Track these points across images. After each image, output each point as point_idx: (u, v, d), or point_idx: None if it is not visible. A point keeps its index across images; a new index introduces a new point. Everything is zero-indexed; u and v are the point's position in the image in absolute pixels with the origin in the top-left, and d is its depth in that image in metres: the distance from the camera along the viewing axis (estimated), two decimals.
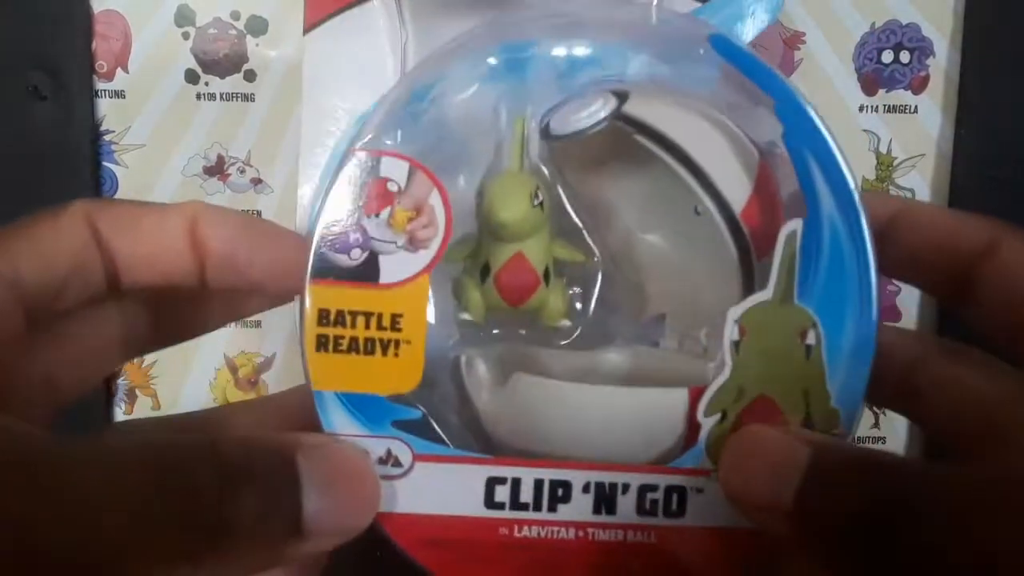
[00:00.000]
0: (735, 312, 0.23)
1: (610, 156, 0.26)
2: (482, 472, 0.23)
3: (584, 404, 0.24)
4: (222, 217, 0.23)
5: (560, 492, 0.23)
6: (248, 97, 0.41)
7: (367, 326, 0.22)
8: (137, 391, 0.43)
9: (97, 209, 0.22)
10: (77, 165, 0.40)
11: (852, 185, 0.23)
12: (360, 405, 0.23)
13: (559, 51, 0.24)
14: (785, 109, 0.23)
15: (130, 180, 0.41)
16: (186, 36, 0.40)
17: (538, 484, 0.23)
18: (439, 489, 0.23)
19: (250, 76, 0.41)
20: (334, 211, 0.22)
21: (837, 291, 0.23)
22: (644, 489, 0.23)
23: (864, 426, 0.44)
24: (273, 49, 0.40)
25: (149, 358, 0.43)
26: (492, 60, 0.24)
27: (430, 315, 0.24)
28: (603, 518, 0.24)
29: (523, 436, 0.24)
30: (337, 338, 0.22)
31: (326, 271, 0.22)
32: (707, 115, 0.24)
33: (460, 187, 0.25)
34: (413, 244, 0.23)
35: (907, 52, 0.41)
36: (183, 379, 0.43)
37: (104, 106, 0.41)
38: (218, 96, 0.41)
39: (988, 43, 0.40)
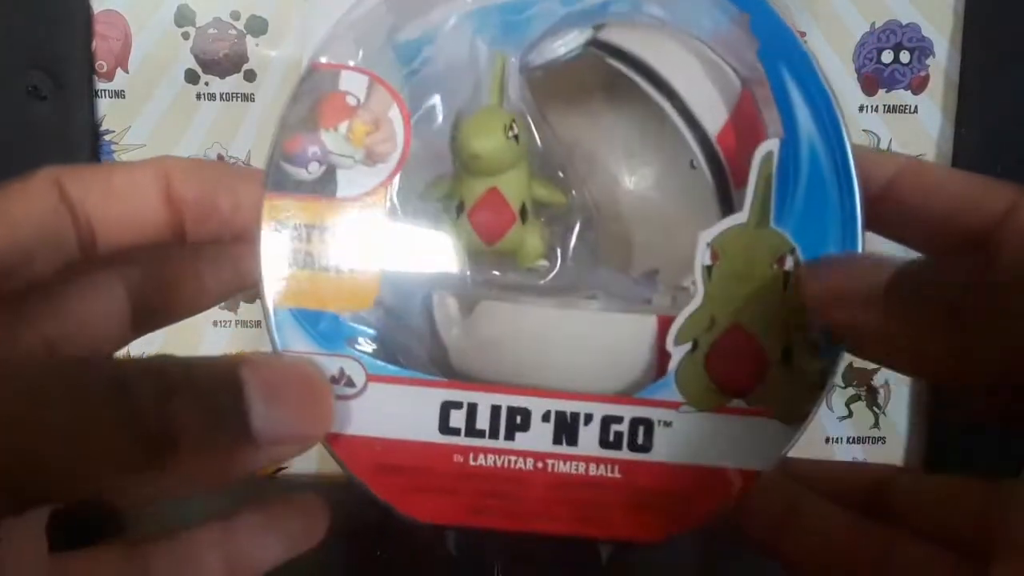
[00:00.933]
0: (707, 235, 0.22)
1: (592, 97, 0.25)
2: (437, 396, 0.22)
3: (547, 327, 0.23)
4: (196, 167, 0.22)
5: (518, 420, 0.22)
6: (248, 97, 0.41)
7: (322, 239, 0.22)
8: None
9: (66, 173, 0.22)
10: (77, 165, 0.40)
11: (832, 101, 0.22)
12: (314, 321, 0.22)
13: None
14: (760, 23, 0.22)
15: None
16: (186, 36, 0.40)
17: (495, 410, 0.22)
18: (392, 412, 0.22)
19: (250, 76, 0.41)
20: (292, 124, 0.22)
21: (817, 214, 0.21)
22: (608, 420, 0.22)
23: (863, 426, 0.44)
24: (273, 49, 0.40)
25: None
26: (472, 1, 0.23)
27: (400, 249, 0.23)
28: (564, 449, 0.22)
29: (487, 364, 0.23)
30: (293, 252, 0.22)
31: (283, 184, 0.22)
32: (685, 43, 0.23)
33: (437, 125, 0.24)
34: (371, 159, 0.22)
35: (907, 52, 0.41)
36: None
37: (104, 106, 0.41)
38: (218, 96, 0.41)
39: (988, 43, 0.40)
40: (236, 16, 0.40)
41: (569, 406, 0.22)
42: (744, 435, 0.22)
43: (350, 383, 0.22)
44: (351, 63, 0.22)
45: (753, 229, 0.22)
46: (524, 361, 0.23)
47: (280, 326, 0.22)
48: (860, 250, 0.22)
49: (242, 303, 0.42)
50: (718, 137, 0.23)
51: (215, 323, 0.43)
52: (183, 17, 0.40)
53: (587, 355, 0.23)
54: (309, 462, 0.44)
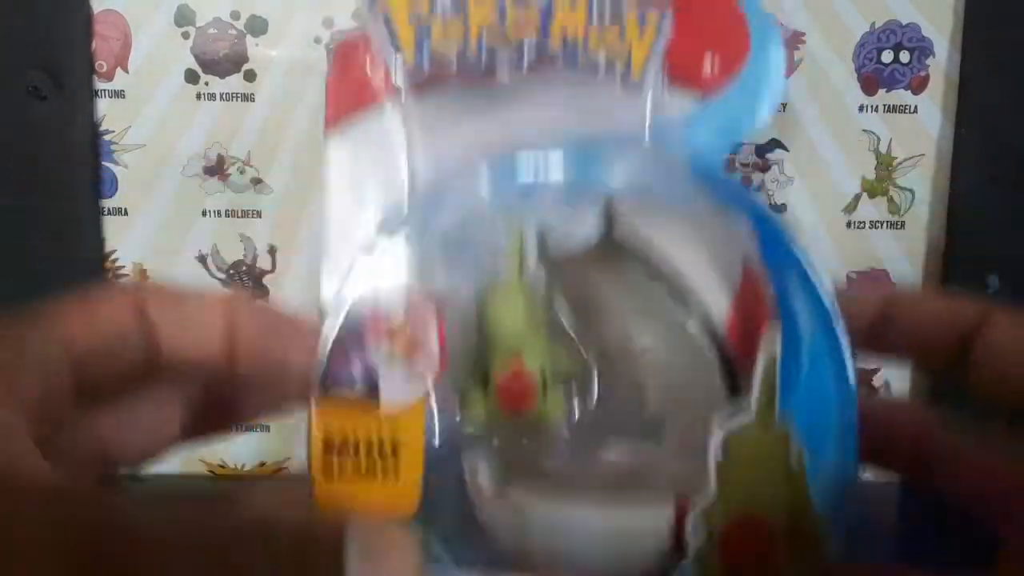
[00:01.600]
0: (718, 435, 0.23)
1: (603, 267, 0.27)
2: None
3: (571, 524, 0.25)
4: (261, 313, 0.25)
5: None
6: (248, 97, 0.41)
7: (368, 453, 0.24)
8: None
9: (146, 289, 0.24)
10: (77, 165, 0.40)
11: (829, 308, 0.23)
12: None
13: (553, 161, 0.25)
14: (763, 230, 0.24)
15: (130, 180, 0.41)
16: (186, 36, 0.40)
17: None
18: None
19: (250, 76, 0.41)
20: (340, 342, 0.24)
21: (818, 409, 0.23)
22: None
23: None
24: (273, 49, 0.40)
25: None
26: (489, 174, 0.25)
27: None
28: None
29: (519, 549, 0.26)
30: (341, 464, 0.24)
31: (330, 395, 0.24)
32: (690, 234, 0.26)
33: (462, 297, 0.26)
34: (411, 375, 0.24)
35: (907, 52, 0.41)
36: None
37: (104, 106, 0.41)
38: (218, 96, 0.41)
39: (988, 43, 0.40)
40: (236, 16, 0.40)
41: None
42: None
43: None
44: (390, 279, 0.25)
45: (760, 427, 0.23)
46: (553, 550, 0.25)
47: None
48: (856, 436, 0.24)
49: None
50: (727, 328, 0.25)
51: None
52: (183, 17, 0.40)
53: (612, 547, 0.25)
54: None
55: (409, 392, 0.24)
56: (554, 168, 0.26)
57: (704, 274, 0.25)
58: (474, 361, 0.26)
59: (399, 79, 0.26)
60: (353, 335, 0.25)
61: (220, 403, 0.27)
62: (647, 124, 0.27)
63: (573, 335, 0.27)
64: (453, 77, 0.26)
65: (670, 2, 0.26)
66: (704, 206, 0.25)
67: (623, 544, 0.25)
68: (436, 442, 0.25)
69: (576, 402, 0.27)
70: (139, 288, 0.25)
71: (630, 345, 0.27)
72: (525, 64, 0.26)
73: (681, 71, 0.27)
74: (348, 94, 0.28)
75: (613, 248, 0.26)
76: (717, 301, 0.25)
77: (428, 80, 0.26)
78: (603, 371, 0.27)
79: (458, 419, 0.26)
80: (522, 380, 0.26)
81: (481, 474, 0.26)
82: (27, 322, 0.22)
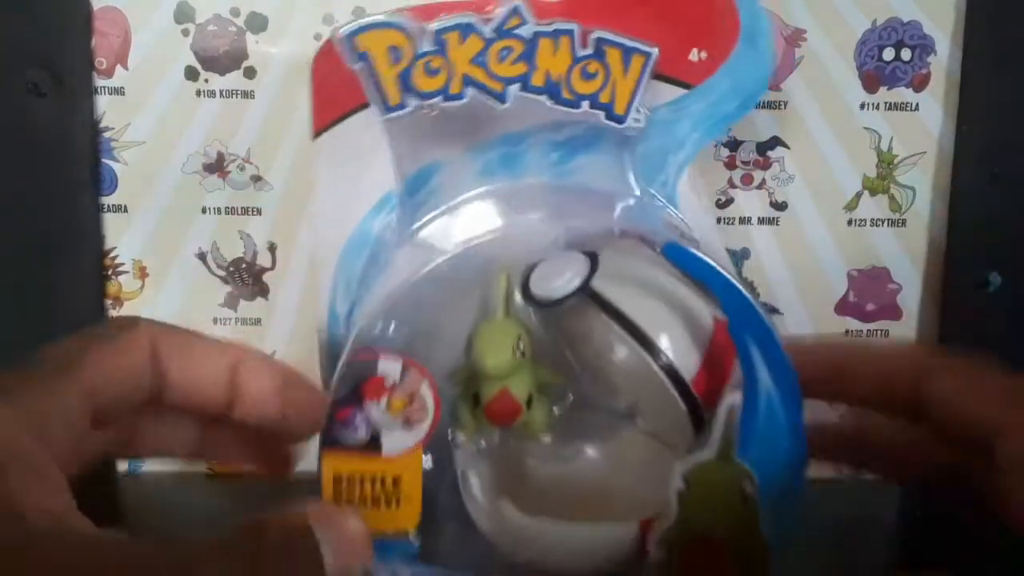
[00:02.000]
0: (681, 467, 0.27)
1: (581, 311, 0.30)
2: None
3: (555, 537, 0.29)
4: (264, 368, 0.27)
5: None
6: (248, 94, 0.41)
7: (373, 487, 0.28)
8: None
9: (160, 333, 0.26)
10: (77, 162, 0.40)
11: (787, 363, 0.27)
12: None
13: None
14: (729, 302, 0.27)
15: (130, 177, 0.41)
16: (186, 33, 0.40)
17: None
18: None
19: (250, 73, 0.40)
20: (342, 399, 0.27)
21: (771, 450, 0.27)
22: None
23: None
24: (273, 46, 0.40)
25: None
26: (478, 232, 0.29)
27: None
28: None
29: (510, 552, 0.29)
30: (349, 496, 0.28)
31: (337, 444, 0.27)
32: (664, 293, 0.29)
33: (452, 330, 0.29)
34: (408, 425, 0.28)
35: (908, 49, 0.41)
36: None
37: (104, 103, 0.41)
38: (218, 93, 0.41)
39: (989, 40, 0.40)
40: (236, 13, 0.40)
41: None
42: None
43: None
44: (388, 348, 0.27)
45: (718, 463, 0.27)
46: (538, 556, 0.29)
47: None
48: (804, 471, 0.27)
49: (242, 300, 0.42)
50: (693, 382, 0.28)
51: (215, 320, 0.43)
52: (183, 14, 0.40)
53: (588, 557, 0.29)
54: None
55: (408, 441, 0.28)
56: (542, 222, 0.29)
57: (671, 330, 0.28)
58: (465, 384, 0.29)
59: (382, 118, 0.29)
60: (354, 392, 0.27)
61: (220, 440, 0.29)
62: (630, 168, 0.31)
63: (558, 355, 0.30)
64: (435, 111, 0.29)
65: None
66: (678, 274, 0.28)
67: (597, 555, 0.29)
68: (428, 460, 0.29)
69: (556, 410, 0.30)
70: (157, 331, 0.26)
71: (605, 361, 0.30)
72: (509, 101, 0.29)
73: (670, 61, 0.29)
74: (331, 100, 0.31)
75: (591, 296, 0.28)
76: (685, 354, 0.28)
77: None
78: (582, 380, 0.30)
79: (451, 434, 0.30)
80: (508, 402, 0.28)
81: (473, 487, 0.30)
82: (52, 370, 0.24)
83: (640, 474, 0.30)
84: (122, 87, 0.40)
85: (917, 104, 0.41)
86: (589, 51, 0.28)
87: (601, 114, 0.29)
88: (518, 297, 0.29)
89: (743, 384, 0.27)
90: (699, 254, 0.28)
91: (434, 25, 0.28)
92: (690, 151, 0.32)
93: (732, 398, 0.27)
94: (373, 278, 0.32)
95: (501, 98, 0.29)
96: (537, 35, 0.28)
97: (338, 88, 0.31)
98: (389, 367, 0.27)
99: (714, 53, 0.30)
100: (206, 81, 0.40)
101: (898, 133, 0.42)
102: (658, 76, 0.30)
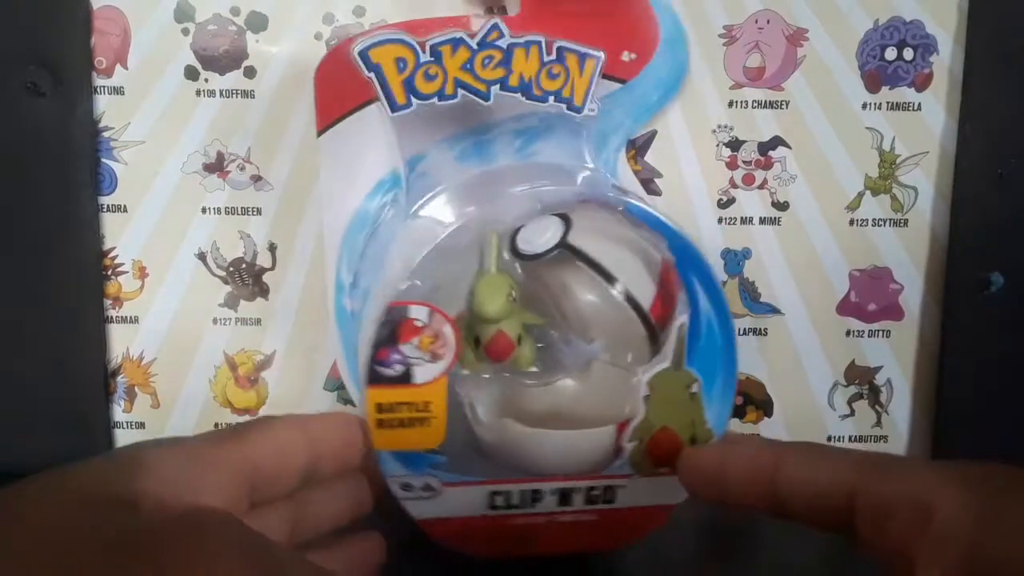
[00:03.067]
0: (645, 376, 0.35)
1: (560, 261, 0.36)
2: (486, 489, 0.36)
3: (551, 442, 0.36)
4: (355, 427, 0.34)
5: (535, 495, 0.36)
6: (248, 94, 0.41)
7: (408, 410, 0.34)
8: (137, 389, 0.43)
9: (308, 420, 0.32)
10: (76, 162, 0.40)
11: (722, 296, 0.35)
12: (406, 457, 0.35)
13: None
14: (676, 246, 0.34)
15: (129, 177, 0.41)
16: (185, 32, 0.40)
17: (522, 493, 0.36)
18: (459, 502, 0.36)
19: (250, 72, 0.40)
20: (382, 340, 0.33)
21: (710, 357, 0.35)
22: (590, 489, 0.36)
23: (865, 425, 0.44)
24: (273, 45, 0.40)
25: (148, 355, 0.43)
26: (471, 208, 0.35)
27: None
28: (563, 508, 0.36)
29: (511, 460, 0.36)
30: (389, 420, 0.34)
31: (379, 379, 0.33)
32: (625, 242, 0.35)
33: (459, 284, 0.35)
34: (434, 359, 0.34)
35: (910, 49, 0.41)
36: (183, 377, 0.43)
37: (103, 103, 0.41)
38: (218, 93, 0.40)
39: (992, 40, 0.40)
40: (236, 12, 0.40)
41: (565, 484, 0.36)
42: (667, 486, 0.35)
43: (430, 489, 0.35)
44: (416, 299, 0.33)
45: (673, 370, 0.35)
46: (535, 459, 0.36)
47: (384, 460, 0.34)
48: (735, 374, 0.35)
49: (242, 300, 0.42)
50: (651, 309, 0.35)
51: (215, 321, 0.42)
52: (183, 13, 0.40)
53: (577, 455, 0.36)
54: None
55: (436, 371, 0.34)
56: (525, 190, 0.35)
57: (632, 270, 0.35)
58: (467, 329, 0.35)
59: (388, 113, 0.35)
60: (391, 335, 0.33)
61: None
62: (586, 147, 0.38)
63: (541, 301, 0.37)
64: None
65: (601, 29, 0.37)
66: (633, 224, 0.35)
67: (584, 454, 0.36)
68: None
69: (541, 348, 0.36)
70: (306, 421, 0.32)
71: (583, 305, 0.36)
72: (492, 98, 0.36)
73: (608, 62, 0.37)
74: (331, 102, 0.37)
75: (568, 249, 0.35)
76: (644, 288, 0.35)
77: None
78: (560, 323, 0.37)
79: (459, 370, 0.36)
80: (503, 342, 0.35)
81: (479, 409, 0.36)
82: (212, 439, 0.29)
83: (606, 394, 0.36)
84: (122, 86, 0.40)
85: (919, 104, 0.41)
86: (553, 57, 0.36)
87: (564, 106, 0.36)
88: (506, 255, 0.35)
89: (689, 306, 0.35)
90: (652, 210, 0.35)
91: (431, 40, 0.35)
92: (624, 135, 0.40)
93: (681, 319, 0.35)
94: (373, 251, 0.38)
95: (485, 97, 0.36)
96: (512, 45, 0.35)
97: (338, 92, 0.36)
98: (419, 312, 0.33)
99: (641, 54, 0.38)
100: (206, 80, 0.40)
101: (900, 133, 0.41)
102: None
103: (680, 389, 0.35)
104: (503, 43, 0.35)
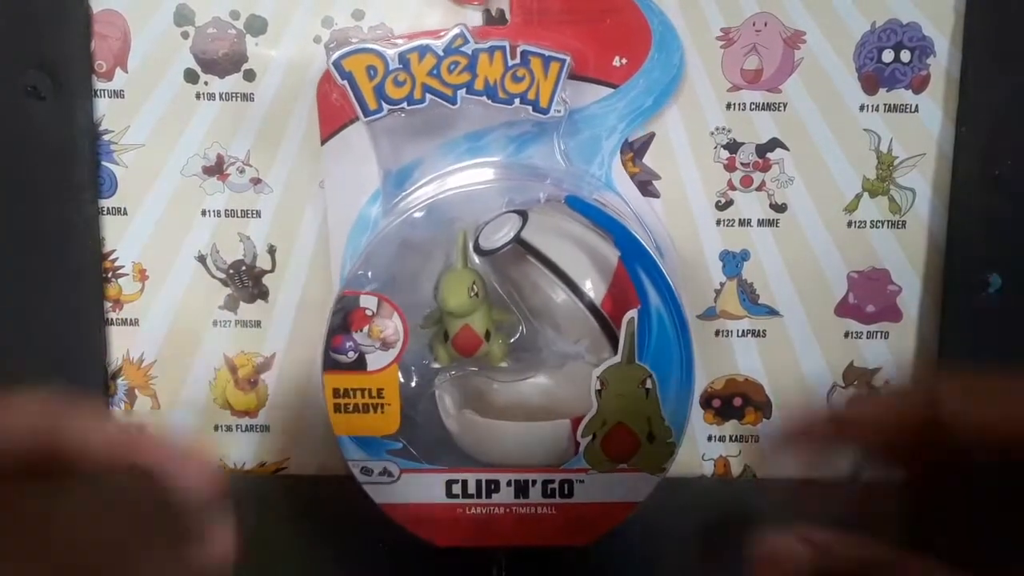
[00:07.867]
0: (597, 371, 0.36)
1: (517, 257, 0.38)
2: (443, 477, 0.38)
3: (506, 434, 0.37)
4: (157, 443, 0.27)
5: (493, 486, 0.38)
6: (247, 97, 0.41)
7: (362, 396, 0.37)
8: (137, 391, 0.43)
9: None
10: (76, 165, 0.40)
11: (672, 286, 0.36)
12: (364, 442, 0.37)
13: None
14: (622, 240, 0.36)
15: (129, 180, 0.41)
16: (185, 36, 0.40)
17: (478, 482, 0.38)
18: (417, 488, 0.38)
19: (249, 76, 0.40)
20: (335, 328, 0.36)
21: (665, 354, 0.36)
22: (546, 482, 0.38)
23: None
24: (273, 49, 0.40)
25: (148, 358, 0.43)
26: (439, 199, 0.37)
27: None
28: (520, 500, 0.38)
29: (474, 450, 0.38)
30: (346, 405, 0.37)
31: (334, 365, 0.36)
32: (576, 238, 0.37)
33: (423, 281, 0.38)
34: (385, 346, 0.36)
35: (908, 51, 0.41)
36: (183, 379, 0.43)
37: (103, 106, 0.41)
38: (217, 96, 0.41)
39: (989, 42, 0.40)
40: (235, 15, 0.40)
41: (522, 476, 0.38)
42: (627, 483, 0.37)
43: (389, 474, 0.37)
44: (367, 289, 0.36)
45: (625, 366, 0.36)
46: (494, 450, 0.38)
47: (344, 444, 0.37)
48: (692, 369, 0.37)
49: (241, 302, 0.42)
50: (602, 303, 0.37)
51: (214, 323, 0.43)
52: (182, 16, 0.40)
53: (531, 447, 0.37)
54: (309, 465, 0.44)
55: (386, 359, 0.36)
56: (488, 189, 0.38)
57: (583, 265, 0.37)
58: (437, 325, 0.37)
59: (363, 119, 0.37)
60: (343, 323, 0.36)
61: None
62: (558, 147, 0.40)
63: (509, 297, 0.39)
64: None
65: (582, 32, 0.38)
66: (588, 224, 0.37)
67: (538, 447, 0.37)
68: (413, 383, 0.39)
69: (511, 344, 0.39)
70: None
71: (548, 302, 0.38)
72: (459, 102, 0.37)
73: (598, 66, 0.39)
74: (333, 114, 0.39)
75: (521, 245, 0.36)
76: (595, 286, 0.36)
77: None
78: (530, 320, 0.39)
79: (429, 363, 0.39)
80: (469, 336, 0.37)
81: (447, 400, 0.38)
82: None
83: (574, 391, 0.37)
84: (122, 90, 0.40)
85: (916, 106, 0.41)
86: (517, 60, 0.36)
87: (529, 108, 0.37)
88: (472, 253, 0.37)
89: (640, 303, 0.36)
90: (597, 205, 0.36)
91: (400, 48, 0.36)
92: (618, 138, 0.40)
93: (630, 313, 0.36)
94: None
95: (452, 101, 0.37)
96: (477, 51, 0.36)
97: (338, 104, 0.39)
98: (368, 301, 0.36)
99: (633, 59, 0.39)
100: (206, 84, 0.40)
101: (897, 135, 0.42)
102: (588, 79, 0.39)
103: (633, 385, 0.36)
104: (468, 49, 0.36)
